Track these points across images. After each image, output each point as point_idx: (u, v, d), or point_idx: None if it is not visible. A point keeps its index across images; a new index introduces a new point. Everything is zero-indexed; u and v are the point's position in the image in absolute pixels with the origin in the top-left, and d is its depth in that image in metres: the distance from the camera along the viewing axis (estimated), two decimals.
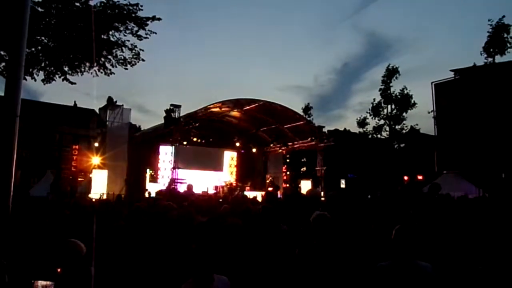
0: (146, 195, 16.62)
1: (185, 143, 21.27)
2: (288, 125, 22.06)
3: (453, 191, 12.20)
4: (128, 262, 4.31)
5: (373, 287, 2.99)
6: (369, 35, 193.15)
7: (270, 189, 19.22)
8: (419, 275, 2.86)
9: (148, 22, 10.06)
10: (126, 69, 10.64)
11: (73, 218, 6.38)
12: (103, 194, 17.46)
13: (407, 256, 2.93)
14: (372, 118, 26.44)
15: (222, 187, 21.80)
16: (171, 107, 18.50)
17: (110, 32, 10.03)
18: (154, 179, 21.42)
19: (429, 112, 22.97)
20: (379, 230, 4.64)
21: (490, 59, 19.82)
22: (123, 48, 10.36)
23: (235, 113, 22.11)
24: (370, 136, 26.98)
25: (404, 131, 26.04)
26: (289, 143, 23.38)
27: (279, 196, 11.17)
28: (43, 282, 2.92)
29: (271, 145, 24.96)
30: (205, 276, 2.91)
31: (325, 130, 26.44)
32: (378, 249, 3.76)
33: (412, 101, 25.43)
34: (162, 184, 19.80)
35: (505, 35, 19.48)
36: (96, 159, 20.70)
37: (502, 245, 4.01)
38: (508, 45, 19.44)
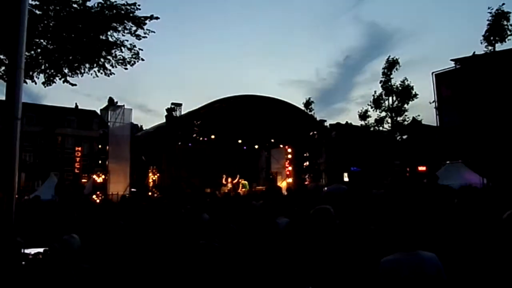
0: (151, 194, 16.69)
1: (187, 141, 21.31)
2: (290, 120, 22.05)
3: (456, 181, 12.21)
4: (136, 259, 4.35)
5: (378, 282, 2.94)
6: (370, 27, 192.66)
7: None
8: (425, 266, 2.81)
9: (146, 22, 10.05)
10: (126, 69, 10.64)
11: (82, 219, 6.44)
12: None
13: (411, 247, 2.88)
14: (373, 110, 26.39)
15: (228, 183, 21.91)
16: (172, 106, 18.56)
17: (109, 33, 10.01)
18: (158, 178, 21.47)
19: (430, 103, 22.95)
20: (382, 225, 4.61)
21: (490, 48, 19.72)
22: (122, 48, 10.35)
23: (236, 110, 22.14)
24: (372, 129, 26.92)
25: (406, 123, 25.97)
26: (291, 138, 23.38)
27: (283, 190, 11.21)
28: (34, 250, 2.98)
29: (273, 140, 24.98)
30: None
31: (327, 124, 26.47)
32: (381, 244, 3.71)
33: (413, 92, 25.36)
34: (166, 183, 19.86)
35: (505, 23, 19.35)
36: (99, 160, 20.73)
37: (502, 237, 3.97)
38: (509, 32, 19.33)
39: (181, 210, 6.74)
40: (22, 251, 3.02)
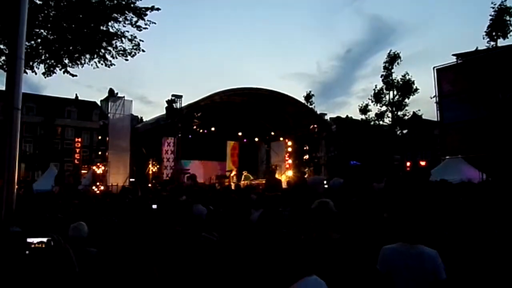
0: (151, 185, 16.72)
1: (187, 133, 21.30)
2: (290, 113, 22.05)
3: (456, 176, 12.23)
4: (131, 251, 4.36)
5: (378, 269, 2.96)
6: (373, 20, 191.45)
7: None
8: (423, 260, 2.83)
9: (147, 12, 10.01)
10: (127, 60, 10.60)
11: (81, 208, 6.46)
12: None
13: (413, 240, 2.91)
14: (374, 104, 26.38)
15: (227, 176, 21.94)
16: (173, 98, 18.53)
17: (109, 23, 9.97)
18: (158, 170, 21.50)
19: (431, 98, 22.92)
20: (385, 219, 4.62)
21: (492, 43, 19.68)
22: (123, 39, 10.30)
23: (236, 102, 22.12)
24: (372, 123, 26.92)
25: (406, 117, 25.98)
26: (291, 131, 23.38)
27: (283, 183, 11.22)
28: (38, 239, 3.02)
29: (273, 133, 24.98)
30: None
31: (327, 117, 26.44)
32: (384, 238, 3.71)
33: (414, 87, 25.35)
34: (166, 175, 19.88)
35: (508, 18, 19.30)
36: (98, 151, 20.77)
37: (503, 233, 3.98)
38: (511, 28, 19.28)
39: (178, 202, 6.72)
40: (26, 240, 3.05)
